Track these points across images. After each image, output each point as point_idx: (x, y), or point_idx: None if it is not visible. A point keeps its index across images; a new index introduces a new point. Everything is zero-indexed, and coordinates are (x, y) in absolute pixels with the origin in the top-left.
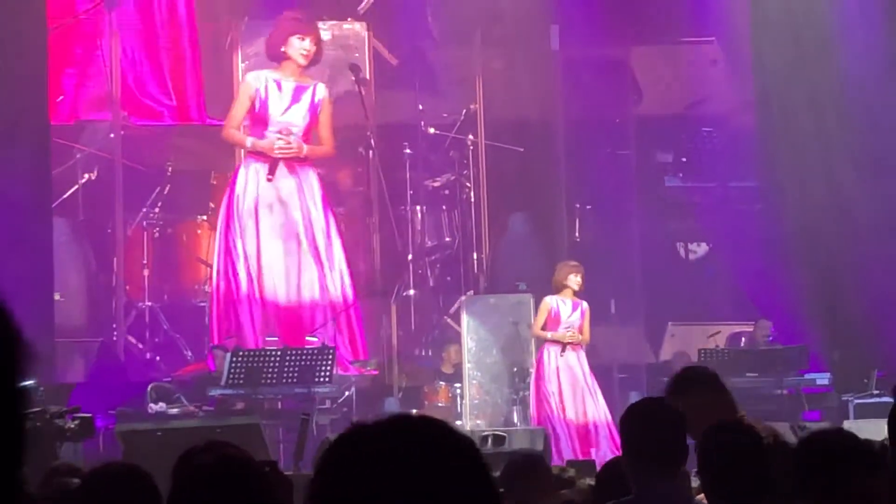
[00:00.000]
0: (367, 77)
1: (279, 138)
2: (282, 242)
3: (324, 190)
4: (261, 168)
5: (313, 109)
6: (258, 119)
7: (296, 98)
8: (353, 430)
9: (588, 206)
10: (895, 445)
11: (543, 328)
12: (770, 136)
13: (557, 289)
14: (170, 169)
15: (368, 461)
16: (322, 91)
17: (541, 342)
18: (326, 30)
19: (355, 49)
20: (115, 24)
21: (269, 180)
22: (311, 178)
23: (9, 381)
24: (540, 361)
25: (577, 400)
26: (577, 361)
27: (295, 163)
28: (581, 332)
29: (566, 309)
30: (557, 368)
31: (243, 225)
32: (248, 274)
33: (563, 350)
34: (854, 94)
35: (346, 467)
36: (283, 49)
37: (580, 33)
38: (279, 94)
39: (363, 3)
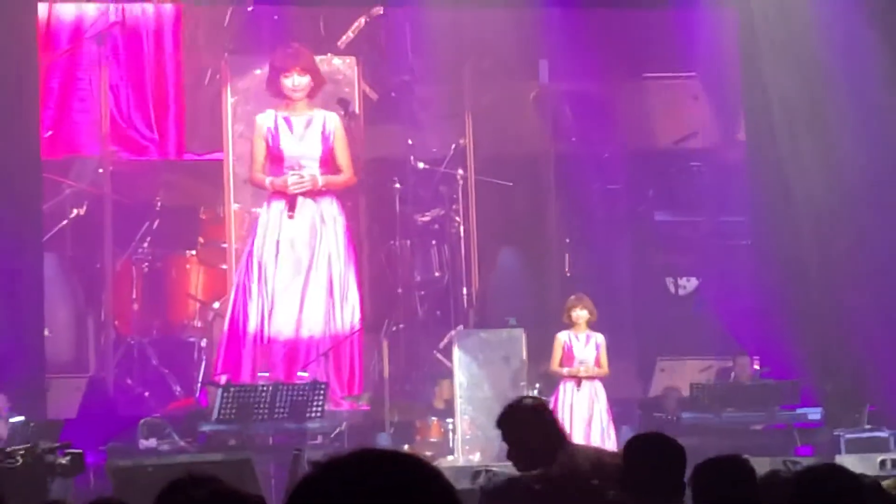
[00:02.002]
0: (357, 111)
1: (292, 174)
2: (299, 277)
3: (347, 219)
4: (281, 206)
5: (325, 140)
6: (273, 157)
7: (305, 131)
8: (323, 468)
9: (578, 241)
10: None
11: (560, 364)
12: (760, 171)
13: (567, 324)
14: (159, 204)
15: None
16: (333, 120)
17: (558, 379)
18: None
19: (344, 84)
20: (104, 58)
21: (290, 217)
22: (333, 209)
23: None
24: (556, 397)
25: (587, 432)
26: (594, 395)
27: (315, 195)
28: (598, 364)
29: (579, 343)
30: (572, 404)
31: (263, 266)
32: (260, 315)
33: (578, 385)
34: (844, 130)
35: None
36: (279, 88)
37: (568, 68)
38: (289, 129)
39: (343, 38)
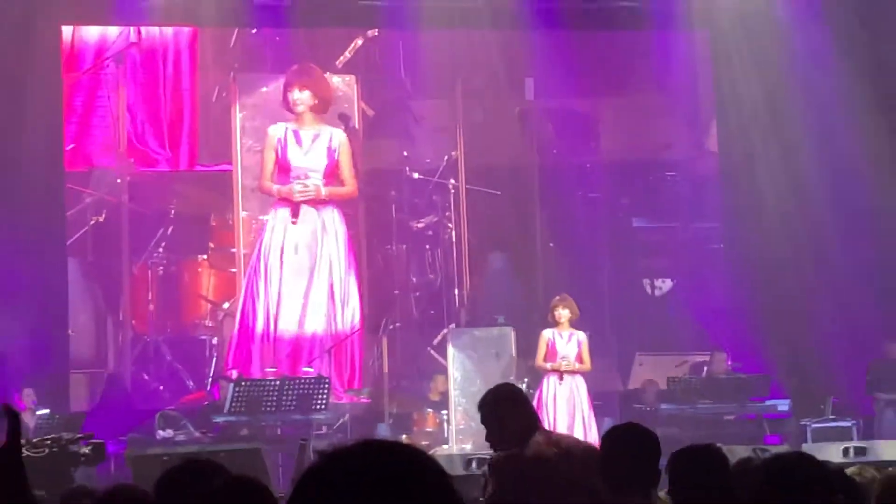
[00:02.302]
0: (356, 126)
1: (297, 183)
2: (303, 279)
3: (347, 228)
4: (286, 213)
5: (330, 154)
6: (281, 167)
7: (312, 144)
8: (326, 458)
9: (561, 246)
10: None
11: (544, 359)
12: (732, 180)
13: (552, 323)
14: (172, 212)
15: (339, 491)
16: (339, 136)
17: (542, 372)
18: None
19: (345, 100)
20: (123, 77)
21: (294, 223)
22: (335, 218)
23: None
24: (540, 390)
25: (569, 423)
26: (575, 389)
27: (318, 204)
28: (580, 360)
29: (562, 340)
30: (555, 396)
31: (269, 268)
32: (266, 314)
33: (560, 378)
34: (810, 140)
35: (319, 497)
36: (287, 103)
37: (553, 86)
38: (297, 142)
39: (340, 58)
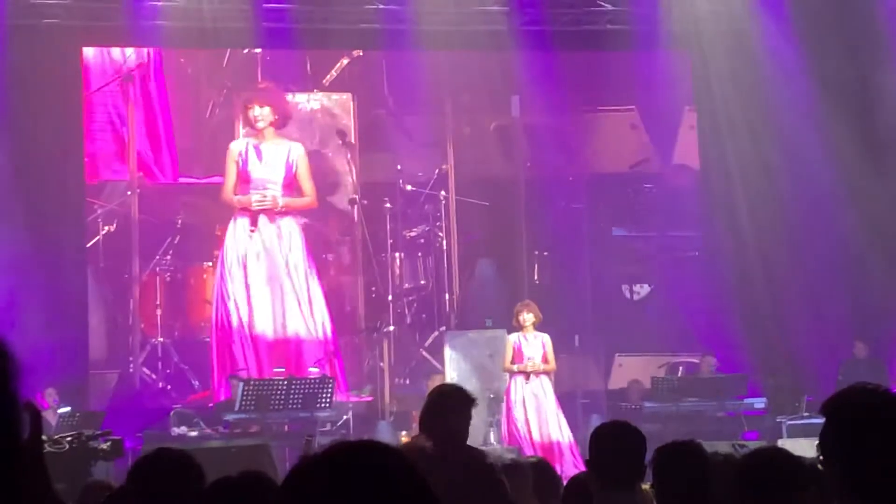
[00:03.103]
0: (353, 141)
1: (255, 192)
2: (268, 287)
3: (306, 238)
4: (245, 222)
5: (288, 167)
6: (242, 179)
7: (270, 157)
8: (303, 464)
9: (545, 253)
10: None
11: (512, 362)
12: (710, 190)
13: (518, 327)
14: (179, 222)
15: (316, 493)
16: (297, 150)
17: (509, 375)
18: (317, 100)
19: (342, 116)
20: (130, 95)
21: (252, 231)
22: (292, 228)
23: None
24: (508, 391)
25: (542, 423)
26: (541, 389)
27: (276, 214)
28: (545, 360)
29: (527, 343)
30: (524, 397)
31: (233, 274)
32: (239, 317)
33: (527, 379)
34: (784, 152)
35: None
36: (247, 120)
37: (537, 103)
38: (257, 156)
39: (327, 77)
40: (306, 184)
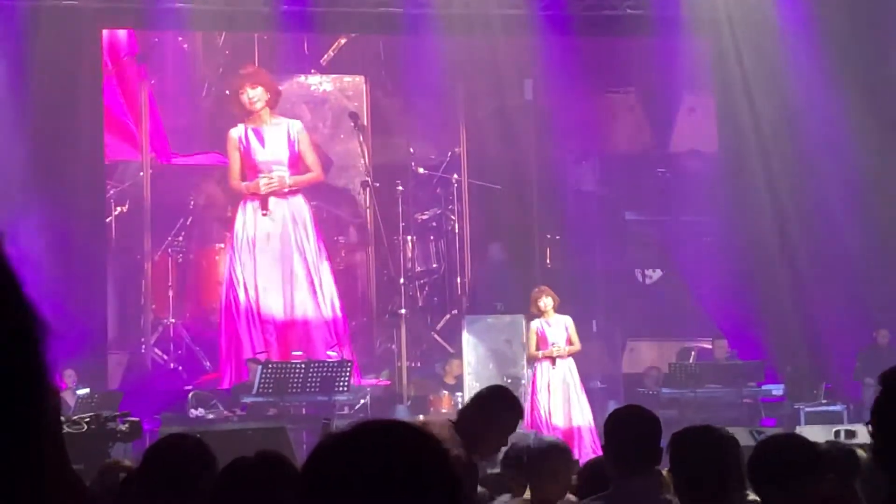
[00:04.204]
0: (365, 124)
1: (262, 177)
2: (278, 268)
3: (315, 219)
4: (255, 205)
5: (291, 145)
6: (247, 165)
7: (271, 139)
8: (329, 441)
9: (557, 237)
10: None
11: (537, 348)
12: (729, 175)
13: (537, 314)
14: (192, 203)
15: (343, 473)
16: (296, 126)
17: (535, 361)
18: (329, 82)
19: (355, 99)
20: (143, 76)
21: (264, 215)
22: (302, 209)
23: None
24: (535, 376)
25: (565, 407)
26: (567, 372)
27: (286, 195)
28: (570, 342)
29: (550, 328)
30: (549, 382)
31: (243, 257)
32: (248, 299)
33: (553, 363)
34: (803, 142)
35: (323, 480)
36: (242, 104)
37: (550, 87)
38: (258, 139)
39: (325, 57)
40: (310, 157)
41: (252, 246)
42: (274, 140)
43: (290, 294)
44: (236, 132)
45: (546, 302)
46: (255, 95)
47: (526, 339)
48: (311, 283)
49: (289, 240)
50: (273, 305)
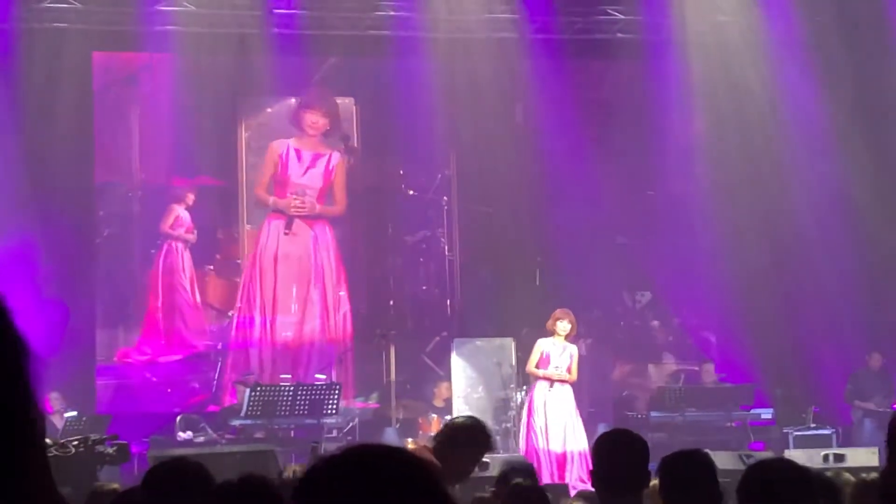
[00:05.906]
0: (356, 145)
1: (295, 198)
2: (298, 288)
3: (336, 244)
4: (280, 224)
5: (328, 175)
6: (280, 181)
7: (312, 164)
8: (318, 464)
9: (547, 259)
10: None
11: (537, 366)
12: (717, 196)
13: (550, 333)
14: (182, 225)
15: (333, 499)
16: (336, 158)
17: (534, 378)
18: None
19: (344, 120)
20: (133, 97)
21: (287, 234)
22: (326, 233)
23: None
24: (531, 395)
25: (560, 431)
26: (564, 397)
27: (311, 219)
28: (569, 371)
29: (556, 351)
30: (545, 402)
31: (264, 275)
32: (263, 319)
33: (551, 385)
34: (796, 159)
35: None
36: (300, 122)
37: (541, 110)
38: (297, 160)
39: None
40: (340, 192)
41: (274, 264)
42: (314, 166)
43: (302, 315)
44: (278, 146)
45: (565, 327)
46: (317, 123)
47: (515, 356)
48: (326, 305)
49: (310, 261)
50: (287, 327)
